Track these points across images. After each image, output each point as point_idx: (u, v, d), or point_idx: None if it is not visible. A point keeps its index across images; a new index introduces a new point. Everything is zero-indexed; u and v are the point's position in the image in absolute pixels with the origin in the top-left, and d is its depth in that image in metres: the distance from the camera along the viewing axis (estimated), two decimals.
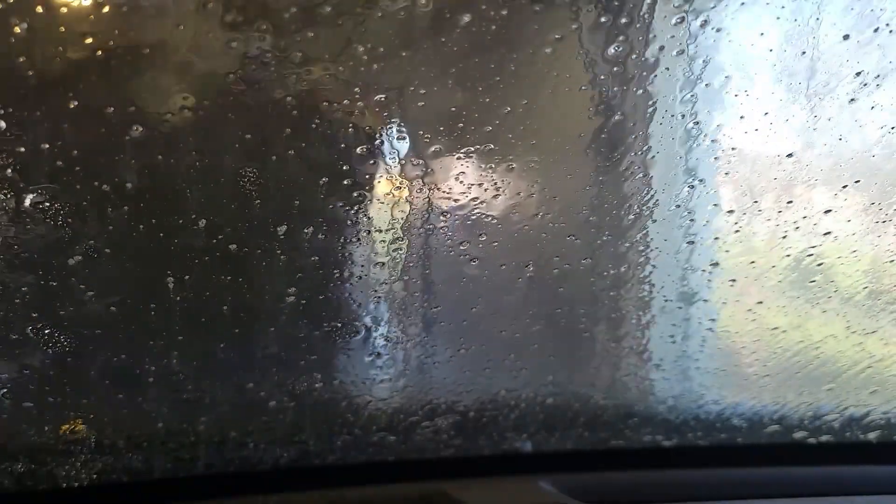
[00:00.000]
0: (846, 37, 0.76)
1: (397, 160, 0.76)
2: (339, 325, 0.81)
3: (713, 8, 0.74)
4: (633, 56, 0.75)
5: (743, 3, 0.75)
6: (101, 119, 0.66)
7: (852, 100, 0.78)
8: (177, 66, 0.67)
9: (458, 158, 0.77)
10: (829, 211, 0.84)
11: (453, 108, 0.75)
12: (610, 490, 0.90)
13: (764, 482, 0.95)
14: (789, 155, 0.81)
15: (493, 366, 0.88)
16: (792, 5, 0.75)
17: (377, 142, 0.75)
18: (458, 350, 0.86)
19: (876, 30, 0.76)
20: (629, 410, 0.93)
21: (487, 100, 0.75)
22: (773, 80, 0.78)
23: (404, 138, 0.75)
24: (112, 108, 0.67)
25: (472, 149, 0.77)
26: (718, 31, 0.75)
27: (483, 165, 0.77)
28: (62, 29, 0.63)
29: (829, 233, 0.86)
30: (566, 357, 0.90)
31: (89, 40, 0.64)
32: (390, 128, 0.75)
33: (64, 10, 0.63)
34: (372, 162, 0.75)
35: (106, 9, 0.63)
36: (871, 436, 0.98)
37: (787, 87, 0.78)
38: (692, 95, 0.78)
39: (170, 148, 0.70)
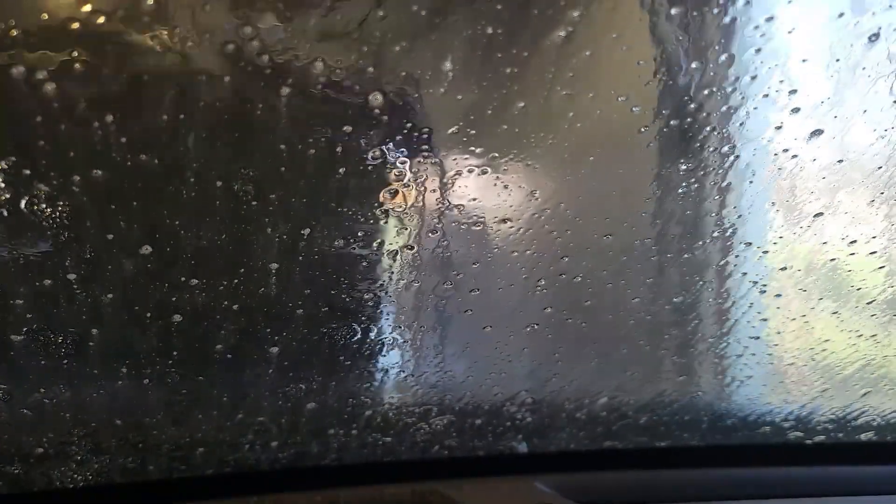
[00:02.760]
0: None
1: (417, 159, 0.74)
2: (335, 326, 0.81)
3: None
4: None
5: None
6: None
7: None
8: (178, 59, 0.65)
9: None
10: None
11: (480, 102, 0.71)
12: (605, 490, 0.90)
13: (760, 482, 0.96)
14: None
15: (488, 366, 0.88)
16: None
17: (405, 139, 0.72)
18: (455, 351, 0.87)
19: None
20: (624, 411, 0.93)
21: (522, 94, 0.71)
22: None
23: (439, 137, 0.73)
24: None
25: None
26: None
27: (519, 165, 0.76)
28: None
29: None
30: (562, 357, 0.91)
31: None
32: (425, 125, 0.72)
33: None
34: (390, 160, 0.73)
35: None
36: (869, 435, 0.98)
37: None
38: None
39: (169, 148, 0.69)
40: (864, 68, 0.73)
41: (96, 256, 0.71)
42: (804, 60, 0.72)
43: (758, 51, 0.71)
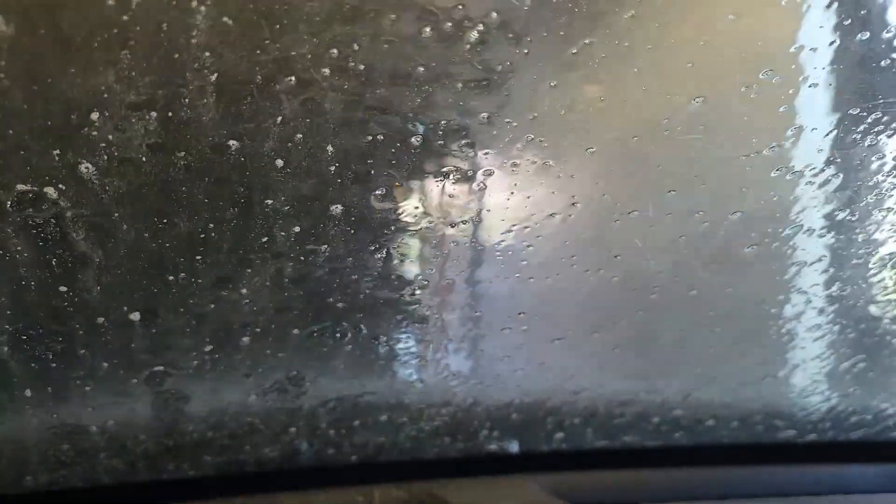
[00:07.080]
0: None
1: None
2: (329, 324, 0.81)
3: None
4: None
5: None
6: None
7: None
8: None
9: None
10: None
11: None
12: (598, 490, 0.90)
13: (753, 481, 0.96)
14: None
15: (483, 366, 0.88)
16: None
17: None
18: (449, 351, 0.86)
19: None
20: (617, 410, 0.93)
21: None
22: None
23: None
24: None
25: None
26: None
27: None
28: None
29: None
30: (556, 357, 0.90)
31: None
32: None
33: None
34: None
35: None
36: (866, 434, 0.99)
37: None
38: None
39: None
40: None
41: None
42: None
43: None
